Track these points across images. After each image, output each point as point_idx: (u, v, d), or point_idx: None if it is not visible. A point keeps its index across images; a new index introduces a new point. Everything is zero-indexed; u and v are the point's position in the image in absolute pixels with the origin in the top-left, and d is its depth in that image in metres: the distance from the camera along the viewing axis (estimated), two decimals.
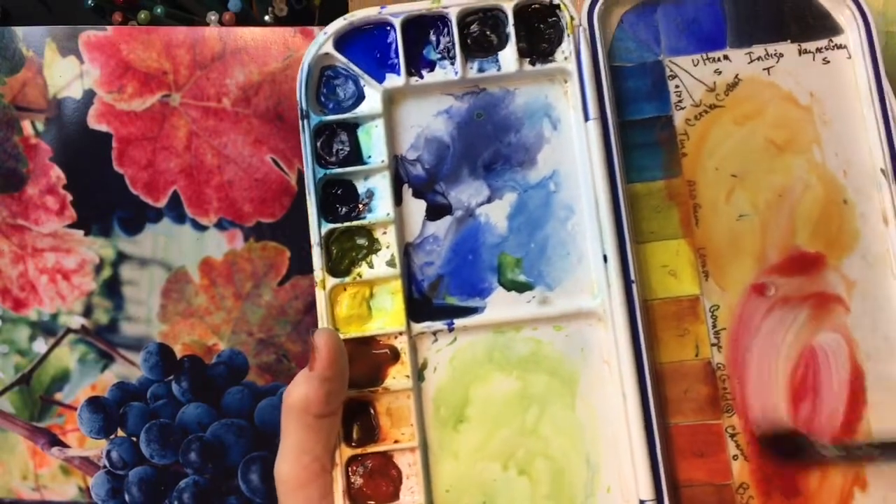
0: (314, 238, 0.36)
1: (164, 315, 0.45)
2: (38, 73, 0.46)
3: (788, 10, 0.37)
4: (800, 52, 0.37)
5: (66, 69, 0.46)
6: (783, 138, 0.37)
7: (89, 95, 0.46)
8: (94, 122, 0.46)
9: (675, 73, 0.37)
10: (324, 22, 0.47)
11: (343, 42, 0.37)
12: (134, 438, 0.44)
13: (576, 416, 0.36)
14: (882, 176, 0.36)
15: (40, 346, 0.45)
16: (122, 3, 0.48)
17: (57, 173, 0.46)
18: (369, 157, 0.37)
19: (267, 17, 0.48)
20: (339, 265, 0.36)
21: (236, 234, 0.45)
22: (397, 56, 0.37)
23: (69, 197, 0.46)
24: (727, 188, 0.37)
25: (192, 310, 0.45)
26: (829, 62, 0.37)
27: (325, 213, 0.36)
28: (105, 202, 0.46)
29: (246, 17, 0.48)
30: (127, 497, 0.43)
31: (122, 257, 0.45)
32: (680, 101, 0.37)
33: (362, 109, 0.37)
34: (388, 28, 0.37)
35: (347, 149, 0.37)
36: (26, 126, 0.46)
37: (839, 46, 0.37)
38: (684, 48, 0.38)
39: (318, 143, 0.37)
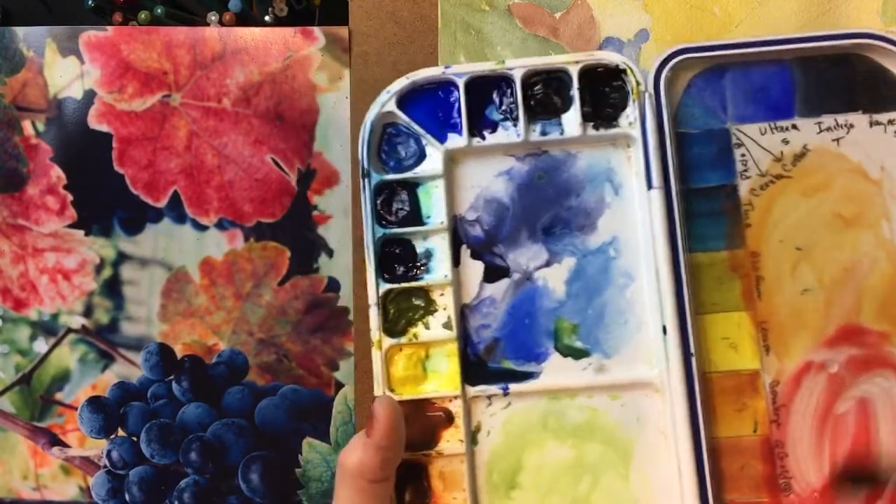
0: (371, 298, 0.36)
1: (165, 315, 0.45)
2: (39, 74, 0.46)
3: (860, 80, 0.37)
4: (871, 124, 0.37)
5: (66, 69, 0.46)
6: (851, 212, 0.36)
7: (90, 95, 0.46)
8: (95, 123, 0.46)
9: (741, 141, 0.37)
10: (324, 22, 0.47)
11: (405, 101, 0.37)
12: (134, 438, 0.44)
13: (629, 488, 0.35)
14: None
15: (41, 345, 0.46)
16: (122, 3, 0.48)
17: (57, 173, 0.46)
18: (429, 217, 0.37)
19: (267, 18, 0.48)
20: (396, 325, 0.36)
21: (236, 234, 0.45)
22: (460, 116, 0.37)
23: (69, 197, 0.46)
24: (792, 261, 0.36)
25: (192, 310, 0.45)
26: None
27: (383, 272, 0.36)
28: (105, 202, 0.46)
29: (246, 18, 0.48)
30: (127, 497, 0.44)
31: (122, 257, 0.45)
32: (746, 171, 0.37)
33: (423, 169, 0.37)
34: (452, 88, 0.37)
35: (407, 208, 0.37)
36: (27, 126, 0.46)
37: None
38: (751, 116, 0.37)
39: (378, 202, 0.37)
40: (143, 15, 0.47)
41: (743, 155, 0.37)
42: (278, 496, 0.43)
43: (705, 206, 0.37)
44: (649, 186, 0.36)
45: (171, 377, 0.45)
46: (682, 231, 0.36)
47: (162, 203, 0.45)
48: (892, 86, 0.37)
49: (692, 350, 0.35)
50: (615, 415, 0.36)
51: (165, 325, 0.45)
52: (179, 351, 0.45)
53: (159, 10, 0.47)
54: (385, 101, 0.37)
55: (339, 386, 0.44)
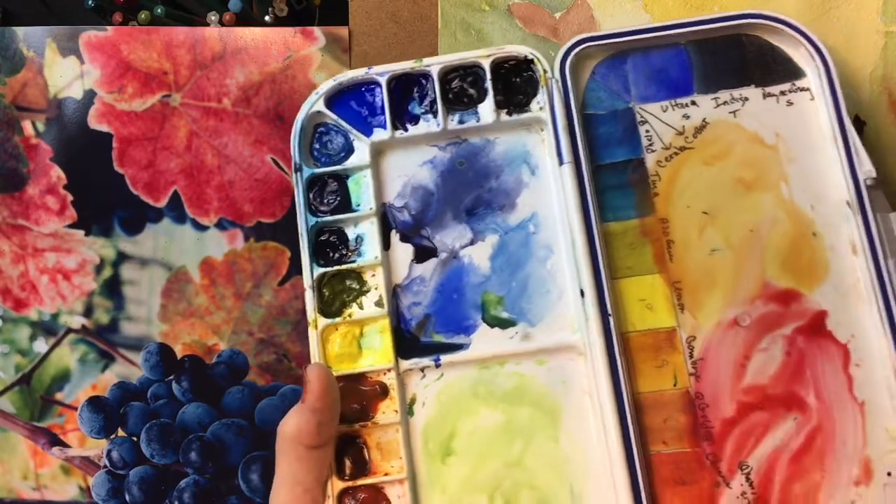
0: (307, 282, 0.38)
1: (165, 315, 0.45)
2: (39, 74, 0.46)
3: (751, 57, 0.40)
4: (764, 96, 0.39)
5: (66, 69, 0.46)
6: (751, 177, 0.38)
7: (90, 95, 0.46)
8: (95, 123, 0.46)
9: (645, 118, 0.40)
10: (324, 22, 0.48)
11: (333, 100, 0.40)
12: (134, 438, 0.44)
13: (559, 448, 0.37)
14: (848, 208, 0.37)
15: (41, 345, 0.46)
16: (122, 3, 0.48)
17: (57, 173, 0.46)
18: (358, 205, 0.39)
19: (267, 18, 0.48)
20: (331, 306, 0.38)
21: (236, 233, 0.45)
22: (383, 112, 0.40)
23: (70, 197, 0.46)
24: (699, 225, 0.38)
25: (192, 310, 0.45)
26: (792, 104, 0.39)
27: (318, 257, 0.39)
28: (105, 202, 0.46)
29: (246, 17, 0.48)
30: (127, 497, 0.43)
31: (122, 257, 0.46)
32: (651, 145, 0.39)
33: (352, 161, 0.40)
34: (375, 86, 0.40)
35: (338, 198, 0.39)
36: (27, 126, 0.46)
37: (802, 89, 0.39)
38: (653, 96, 0.40)
39: (311, 194, 0.39)
40: (143, 15, 0.47)
41: (647, 131, 0.39)
42: None
43: (615, 180, 0.39)
44: (560, 162, 0.38)
45: (171, 377, 0.44)
46: (594, 202, 0.38)
47: (162, 203, 0.46)
48: (781, 60, 0.40)
49: (609, 311, 0.37)
50: (542, 379, 0.37)
51: (165, 325, 0.45)
52: (179, 351, 0.45)
53: (159, 10, 0.48)
54: (314, 102, 0.40)
55: None
